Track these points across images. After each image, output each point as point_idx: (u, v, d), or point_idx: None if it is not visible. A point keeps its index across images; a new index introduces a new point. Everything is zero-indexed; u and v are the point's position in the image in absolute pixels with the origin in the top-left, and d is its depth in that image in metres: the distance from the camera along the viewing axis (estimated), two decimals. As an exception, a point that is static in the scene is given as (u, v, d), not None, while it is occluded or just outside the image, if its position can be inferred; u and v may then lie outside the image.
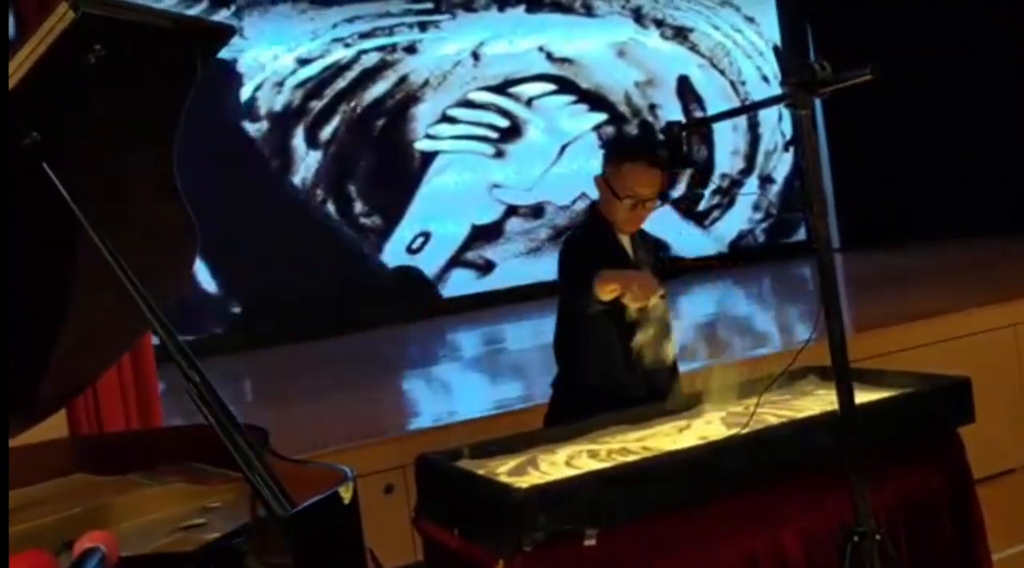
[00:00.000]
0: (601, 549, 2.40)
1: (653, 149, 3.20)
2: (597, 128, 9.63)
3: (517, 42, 9.32)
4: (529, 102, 9.36)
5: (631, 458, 2.68)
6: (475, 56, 9.14)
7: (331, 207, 8.51)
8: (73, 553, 1.43)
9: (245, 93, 8.25)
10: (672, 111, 9.86)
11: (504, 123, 9.25)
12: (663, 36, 10.00)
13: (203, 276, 7.94)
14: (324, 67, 8.56)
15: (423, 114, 8.90)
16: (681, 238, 9.88)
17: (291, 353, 7.73)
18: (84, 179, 1.88)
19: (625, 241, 3.26)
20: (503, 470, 2.68)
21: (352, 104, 8.64)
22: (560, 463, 2.71)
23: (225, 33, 2.13)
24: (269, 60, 8.35)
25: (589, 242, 3.25)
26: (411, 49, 8.88)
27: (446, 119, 9.00)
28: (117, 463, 2.42)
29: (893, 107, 8.79)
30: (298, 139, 8.42)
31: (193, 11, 7.89)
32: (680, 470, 2.56)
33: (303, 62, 8.49)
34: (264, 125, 8.33)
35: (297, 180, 8.42)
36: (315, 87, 8.51)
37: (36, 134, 1.83)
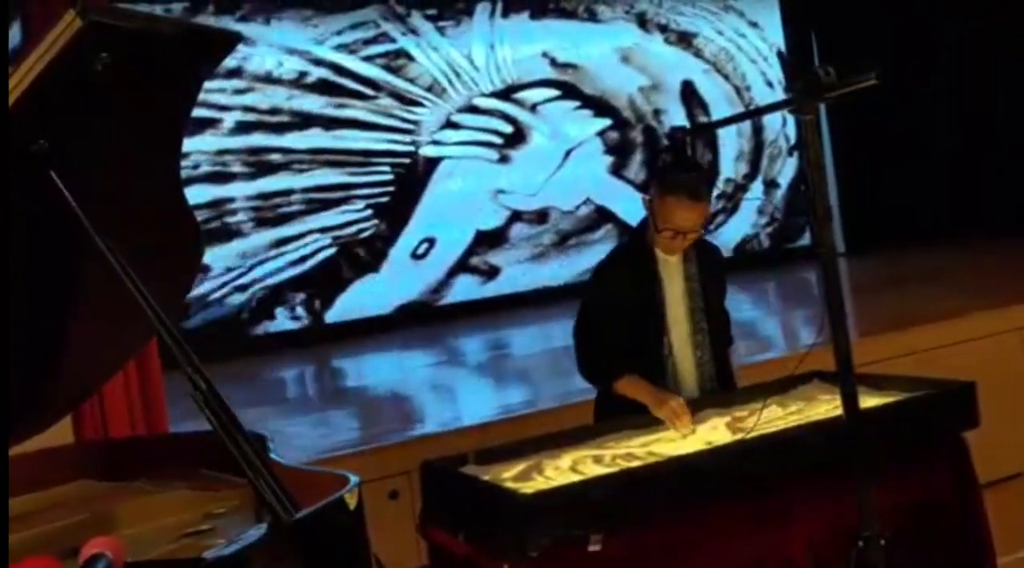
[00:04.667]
0: (606, 554, 2.40)
1: (697, 184, 3.15)
2: (601, 133, 9.64)
3: (521, 48, 9.33)
4: (533, 108, 9.36)
5: (636, 463, 2.68)
6: (479, 62, 9.15)
7: (335, 213, 8.52)
8: (79, 559, 1.44)
9: (250, 99, 8.27)
10: (676, 116, 9.85)
11: (508, 129, 9.26)
12: (667, 41, 10.01)
13: (208, 281, 7.96)
14: (329, 73, 8.57)
15: (427, 120, 8.92)
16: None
17: (291, 359, 7.74)
18: (90, 185, 1.89)
19: (671, 262, 3.20)
20: (508, 475, 2.68)
21: (356, 110, 8.65)
22: (565, 468, 2.72)
23: (231, 40, 2.13)
24: (274, 66, 8.37)
25: (623, 271, 3.22)
26: (415, 55, 8.90)
27: (450, 125, 9.02)
28: (123, 469, 2.43)
29: (897, 111, 8.79)
30: (302, 145, 8.44)
31: (199, 18, 7.90)
32: (685, 475, 2.56)
33: (308, 68, 8.50)
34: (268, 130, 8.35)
35: (300, 185, 8.43)
36: (319, 93, 8.52)
37: (43, 142, 1.84)
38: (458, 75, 9.06)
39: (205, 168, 8.04)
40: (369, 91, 8.70)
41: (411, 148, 8.85)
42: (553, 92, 9.45)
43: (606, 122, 9.65)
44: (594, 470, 2.67)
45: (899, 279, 7.65)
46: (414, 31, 8.90)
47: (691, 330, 3.20)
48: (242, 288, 8.18)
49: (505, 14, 9.27)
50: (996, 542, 3.00)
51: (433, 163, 8.93)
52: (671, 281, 3.21)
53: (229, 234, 8.13)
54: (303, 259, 8.40)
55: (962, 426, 2.95)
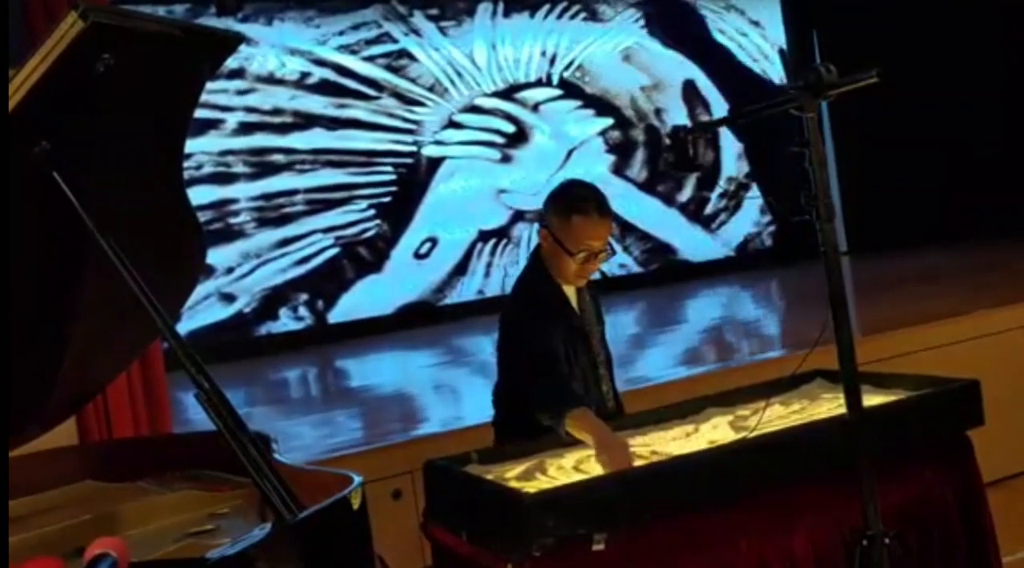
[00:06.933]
0: (610, 554, 2.40)
1: (601, 198, 3.00)
2: (603, 133, 9.64)
3: (523, 47, 9.33)
4: (535, 107, 9.37)
5: (639, 463, 2.68)
6: (481, 62, 9.15)
7: (338, 213, 8.53)
8: (84, 559, 1.44)
9: (252, 100, 8.28)
10: (678, 115, 9.86)
11: (510, 128, 9.27)
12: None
13: (212, 281, 7.96)
14: (331, 73, 8.58)
15: (429, 120, 8.92)
16: (688, 242, 9.88)
17: (294, 359, 7.74)
18: (92, 186, 1.89)
19: (569, 292, 3.07)
20: (512, 475, 2.68)
21: (358, 110, 8.65)
22: (568, 468, 2.71)
23: (233, 42, 2.13)
24: (276, 67, 8.38)
25: (542, 300, 3.01)
26: (417, 55, 8.90)
27: (452, 125, 9.02)
28: (126, 470, 2.43)
29: (899, 110, 8.78)
30: (305, 145, 8.44)
31: (201, 19, 7.91)
32: (688, 474, 2.56)
33: (310, 69, 8.51)
34: (271, 131, 8.36)
35: (303, 186, 8.44)
36: (321, 94, 8.53)
37: (46, 143, 1.84)
38: (460, 75, 9.07)
39: (208, 169, 8.05)
40: (371, 91, 8.71)
41: (413, 148, 8.86)
42: (555, 91, 9.46)
43: (608, 121, 9.66)
44: (597, 469, 2.66)
45: (901, 277, 7.64)
46: (416, 31, 8.91)
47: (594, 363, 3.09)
48: (245, 289, 8.19)
49: (507, 14, 9.27)
50: (1000, 541, 2.99)
51: (435, 163, 8.93)
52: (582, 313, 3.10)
53: (232, 235, 8.13)
54: (306, 259, 8.41)
55: (966, 424, 2.95)
